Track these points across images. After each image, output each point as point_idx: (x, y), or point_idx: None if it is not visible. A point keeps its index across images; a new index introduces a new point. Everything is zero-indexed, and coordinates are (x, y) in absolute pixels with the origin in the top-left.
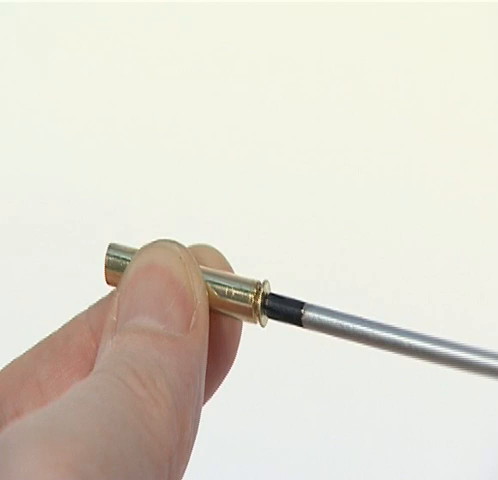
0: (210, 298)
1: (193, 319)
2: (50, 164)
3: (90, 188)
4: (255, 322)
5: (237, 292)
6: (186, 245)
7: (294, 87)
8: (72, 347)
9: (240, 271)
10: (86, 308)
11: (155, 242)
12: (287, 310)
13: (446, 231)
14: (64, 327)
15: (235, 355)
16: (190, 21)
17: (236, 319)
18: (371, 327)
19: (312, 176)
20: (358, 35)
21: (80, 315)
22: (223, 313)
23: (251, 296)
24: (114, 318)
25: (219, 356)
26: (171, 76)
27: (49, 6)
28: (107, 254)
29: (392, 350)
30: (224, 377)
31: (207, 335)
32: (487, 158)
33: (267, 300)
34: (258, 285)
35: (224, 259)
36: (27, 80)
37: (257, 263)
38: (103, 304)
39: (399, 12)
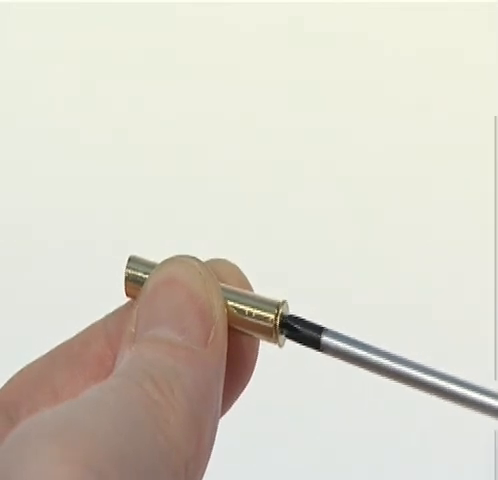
0: (229, 316)
1: (212, 334)
2: (69, 175)
3: (110, 200)
4: (274, 342)
5: (257, 312)
6: (205, 259)
7: (293, 88)
8: (88, 354)
9: (256, 286)
10: (103, 316)
11: (175, 257)
12: (306, 333)
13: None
14: (81, 334)
15: (253, 370)
16: (188, 22)
17: (254, 338)
18: (390, 359)
19: (319, 183)
20: (356, 33)
21: (97, 323)
22: (241, 331)
23: (271, 316)
24: (133, 329)
25: (237, 371)
26: (170, 83)
27: (48, 6)
28: (127, 267)
29: (408, 384)
30: (241, 391)
31: (225, 350)
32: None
33: (287, 321)
34: (278, 305)
35: (243, 275)
36: (26, 84)
37: (273, 278)
38: (120, 313)
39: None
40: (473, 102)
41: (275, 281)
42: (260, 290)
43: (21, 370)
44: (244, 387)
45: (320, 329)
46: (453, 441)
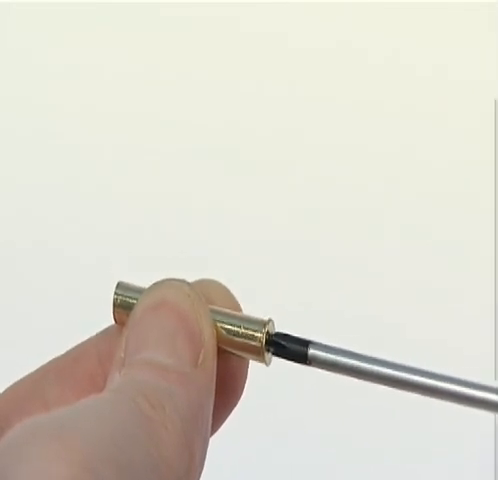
0: (218, 336)
1: (201, 356)
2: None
3: (100, 220)
4: (262, 361)
5: (245, 331)
6: (193, 279)
7: (291, 90)
8: (79, 371)
9: (243, 302)
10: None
11: (163, 280)
12: (293, 348)
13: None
14: (72, 350)
15: (242, 391)
16: (186, 23)
17: (242, 357)
18: (378, 365)
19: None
20: (356, 33)
21: (88, 340)
22: (230, 351)
23: (259, 335)
24: (122, 355)
25: (226, 392)
26: (170, 83)
27: (48, 6)
28: (115, 293)
29: (399, 387)
30: (230, 412)
31: (215, 372)
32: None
33: (273, 339)
34: (265, 324)
35: (231, 295)
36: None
37: (260, 295)
38: (111, 331)
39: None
40: (473, 103)
41: (265, 299)
42: (248, 309)
43: (13, 384)
44: (234, 407)
45: (306, 343)
46: (452, 440)
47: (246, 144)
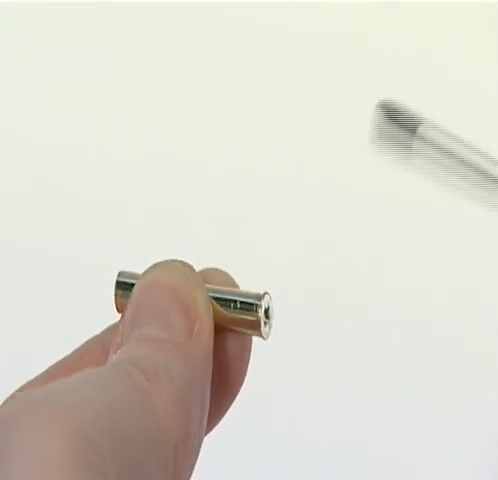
0: (214, 312)
1: (196, 327)
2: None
3: (105, 218)
4: (259, 335)
5: (241, 305)
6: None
7: (291, 89)
8: (84, 366)
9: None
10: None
11: (158, 262)
12: (406, 119)
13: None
14: (78, 349)
15: (243, 379)
16: (186, 23)
17: (241, 333)
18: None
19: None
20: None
21: (93, 337)
22: (227, 327)
23: (256, 308)
24: (119, 340)
25: (226, 378)
26: (169, 86)
27: (48, 6)
28: (116, 281)
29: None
30: (231, 402)
31: (211, 344)
32: None
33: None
34: (261, 297)
35: (232, 279)
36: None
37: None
38: (116, 326)
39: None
40: (472, 103)
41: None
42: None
43: (21, 387)
44: (235, 396)
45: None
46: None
47: (246, 144)
